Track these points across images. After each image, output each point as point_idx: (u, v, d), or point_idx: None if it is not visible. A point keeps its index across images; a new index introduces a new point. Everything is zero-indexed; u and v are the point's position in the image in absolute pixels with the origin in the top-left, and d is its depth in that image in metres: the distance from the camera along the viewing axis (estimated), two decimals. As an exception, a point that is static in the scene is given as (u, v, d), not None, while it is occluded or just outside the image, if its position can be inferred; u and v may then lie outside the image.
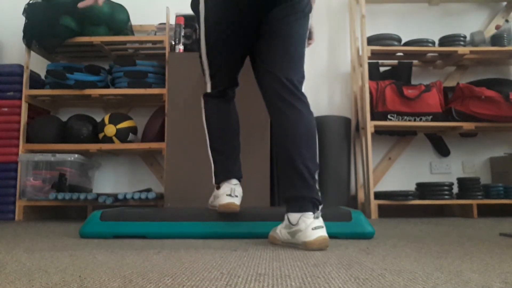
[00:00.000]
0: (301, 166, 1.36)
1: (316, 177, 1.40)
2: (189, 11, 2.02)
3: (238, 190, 1.53)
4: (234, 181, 1.54)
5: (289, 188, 1.34)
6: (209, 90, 1.59)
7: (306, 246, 1.22)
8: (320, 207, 1.32)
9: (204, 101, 1.60)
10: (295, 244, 1.28)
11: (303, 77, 1.46)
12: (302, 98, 1.44)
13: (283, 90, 1.40)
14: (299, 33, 1.44)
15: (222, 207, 1.47)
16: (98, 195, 2.50)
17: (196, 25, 2.20)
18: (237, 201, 1.49)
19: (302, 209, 1.28)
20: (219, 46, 1.49)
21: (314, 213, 1.27)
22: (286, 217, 1.32)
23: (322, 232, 1.23)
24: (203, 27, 1.49)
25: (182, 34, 2.49)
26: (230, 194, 1.50)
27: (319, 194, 1.34)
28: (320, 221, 1.26)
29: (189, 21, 2.55)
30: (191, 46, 2.52)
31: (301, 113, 1.42)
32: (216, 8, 1.45)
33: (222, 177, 1.55)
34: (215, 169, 1.57)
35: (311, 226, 1.24)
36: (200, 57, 1.54)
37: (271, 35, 1.42)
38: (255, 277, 0.77)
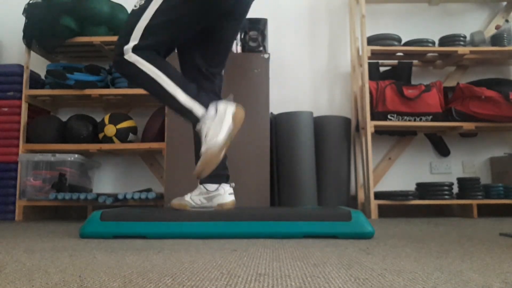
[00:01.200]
0: None
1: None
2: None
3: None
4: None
5: None
6: (139, 38, 1.49)
7: (222, 207, 1.63)
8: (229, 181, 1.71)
9: (137, 52, 1.48)
10: (207, 207, 1.63)
11: None
12: None
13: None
14: None
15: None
16: (98, 195, 2.50)
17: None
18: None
19: (220, 180, 1.67)
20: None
21: (229, 183, 1.69)
22: (202, 187, 1.67)
23: (233, 197, 1.68)
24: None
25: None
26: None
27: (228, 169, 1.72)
28: (231, 189, 1.69)
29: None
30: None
31: None
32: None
33: (212, 100, 1.50)
34: (198, 100, 1.47)
35: (228, 192, 1.67)
36: (138, 15, 1.50)
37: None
38: (255, 277, 0.77)
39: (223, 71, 1.82)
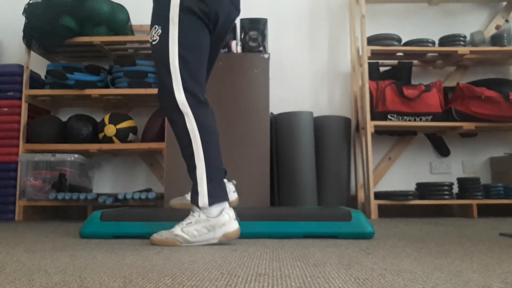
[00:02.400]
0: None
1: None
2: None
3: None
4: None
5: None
6: (194, 92, 1.40)
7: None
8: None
9: (193, 104, 1.39)
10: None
11: None
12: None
13: None
14: None
15: (234, 234, 1.33)
16: (98, 195, 2.50)
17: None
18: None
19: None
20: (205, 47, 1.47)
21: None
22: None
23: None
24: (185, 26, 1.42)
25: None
26: (235, 217, 1.37)
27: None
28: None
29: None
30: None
31: None
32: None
33: (221, 198, 1.35)
34: (211, 190, 1.34)
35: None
36: (173, 57, 1.40)
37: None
38: (255, 277, 0.77)
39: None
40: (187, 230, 1.32)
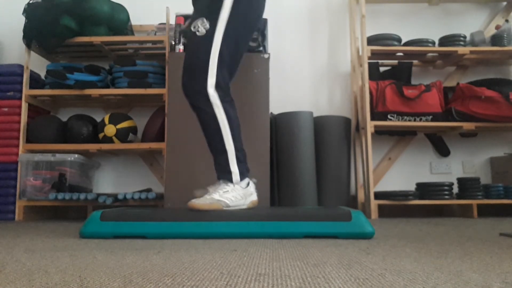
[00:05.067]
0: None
1: None
2: (189, 11, 2.02)
3: None
4: None
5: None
6: (223, 83, 1.60)
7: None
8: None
9: (222, 98, 1.59)
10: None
11: None
12: None
13: None
14: None
15: (256, 202, 1.66)
16: (98, 195, 2.50)
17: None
18: None
19: (246, 176, 1.66)
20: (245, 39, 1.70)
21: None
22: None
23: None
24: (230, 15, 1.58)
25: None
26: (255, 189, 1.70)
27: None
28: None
29: None
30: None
31: None
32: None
33: (246, 174, 1.65)
34: (241, 168, 1.63)
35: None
36: (211, 43, 1.56)
37: None
38: (255, 277, 0.77)
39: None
40: (226, 196, 1.57)
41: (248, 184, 1.66)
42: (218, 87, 1.57)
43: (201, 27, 1.56)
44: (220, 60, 1.57)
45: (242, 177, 1.63)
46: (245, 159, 1.68)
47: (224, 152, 1.60)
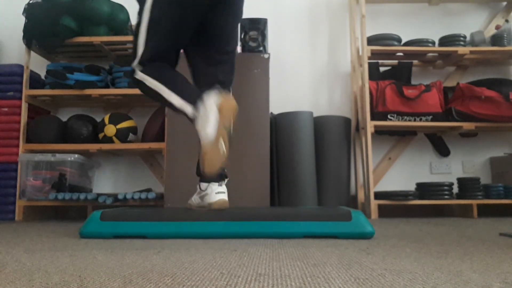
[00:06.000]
0: None
1: None
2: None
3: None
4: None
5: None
6: (142, 54, 1.56)
7: (210, 206, 1.62)
8: (226, 179, 1.70)
9: (143, 69, 1.54)
10: (203, 206, 1.66)
11: None
12: None
13: None
14: None
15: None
16: (98, 195, 2.50)
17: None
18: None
19: (210, 180, 1.66)
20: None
21: (218, 182, 1.66)
22: (198, 186, 1.70)
23: (223, 196, 1.64)
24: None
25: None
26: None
27: (225, 170, 1.71)
28: (223, 188, 1.66)
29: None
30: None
31: None
32: None
33: (196, 98, 1.43)
34: (190, 101, 1.45)
35: (215, 191, 1.65)
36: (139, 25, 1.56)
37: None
38: (255, 277, 0.77)
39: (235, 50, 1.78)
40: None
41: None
42: (142, 64, 1.55)
43: (135, 22, 1.61)
44: (147, 41, 1.54)
45: (195, 104, 1.42)
46: (191, 91, 1.51)
47: (169, 103, 1.49)
